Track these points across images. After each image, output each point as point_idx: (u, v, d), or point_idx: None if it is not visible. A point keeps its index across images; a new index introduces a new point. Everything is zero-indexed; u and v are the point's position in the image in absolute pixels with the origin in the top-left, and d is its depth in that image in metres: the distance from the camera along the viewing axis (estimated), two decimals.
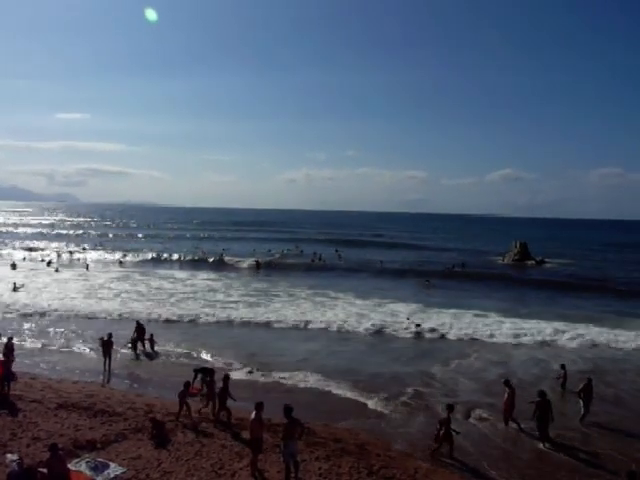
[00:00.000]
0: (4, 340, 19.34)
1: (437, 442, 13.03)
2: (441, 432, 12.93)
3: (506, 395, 14.83)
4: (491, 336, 25.63)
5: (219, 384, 14.60)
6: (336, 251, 66.42)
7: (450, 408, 13.44)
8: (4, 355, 17.10)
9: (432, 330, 26.44)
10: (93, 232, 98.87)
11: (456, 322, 27.84)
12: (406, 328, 26.62)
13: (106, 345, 19.77)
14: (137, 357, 21.52)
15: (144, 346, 22.24)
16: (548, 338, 25.37)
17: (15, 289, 34.31)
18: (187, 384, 14.78)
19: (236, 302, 33.11)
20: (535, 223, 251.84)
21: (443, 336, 25.98)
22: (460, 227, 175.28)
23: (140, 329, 22.41)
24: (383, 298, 35.20)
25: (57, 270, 45.95)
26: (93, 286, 38.06)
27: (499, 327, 27.00)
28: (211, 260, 56.28)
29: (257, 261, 54.33)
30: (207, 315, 28.76)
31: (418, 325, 26.83)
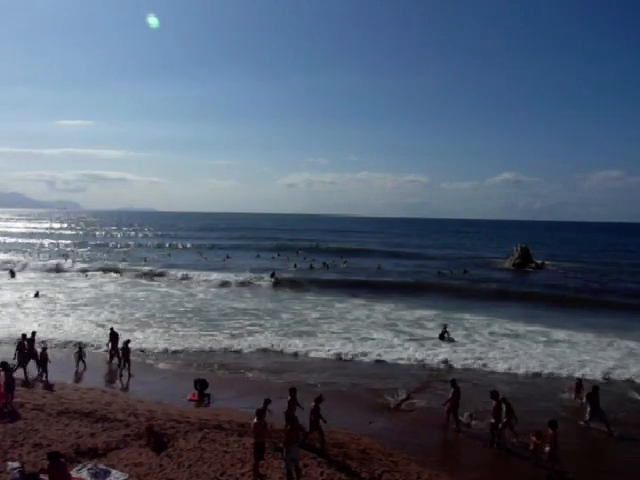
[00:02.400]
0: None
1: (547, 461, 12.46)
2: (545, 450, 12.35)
3: (450, 394, 15.31)
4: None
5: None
6: (341, 257, 67.56)
7: (553, 425, 12.56)
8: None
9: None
10: (96, 242, 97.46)
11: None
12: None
13: (124, 351, 19.96)
14: (117, 366, 20.75)
15: (118, 355, 20.82)
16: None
17: (36, 296, 35.88)
18: (267, 401, 13.56)
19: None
20: (536, 226, 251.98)
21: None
22: (461, 231, 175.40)
23: (114, 336, 21.57)
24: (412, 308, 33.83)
25: (87, 275, 49.23)
26: (104, 296, 38.09)
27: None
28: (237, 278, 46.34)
29: (275, 276, 46.85)
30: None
31: (447, 335, 25.96)
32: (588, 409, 15.64)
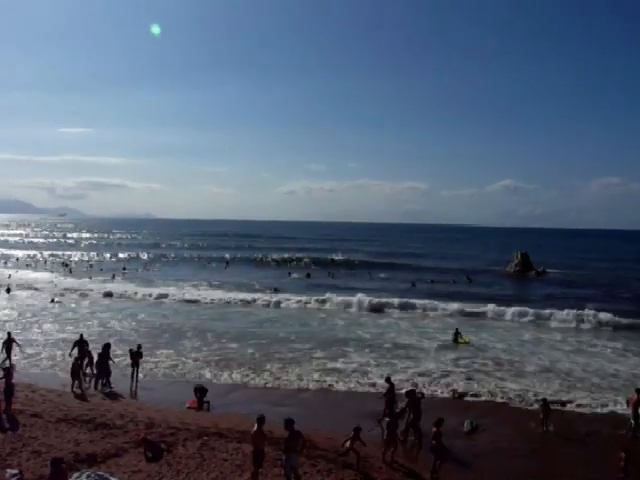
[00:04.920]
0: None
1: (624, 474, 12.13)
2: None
3: (385, 391, 15.98)
4: None
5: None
6: (351, 269, 67.85)
7: None
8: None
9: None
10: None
11: None
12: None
13: (135, 356, 19.80)
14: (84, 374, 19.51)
15: (91, 361, 19.81)
16: None
17: (53, 301, 37.07)
18: (358, 429, 12.93)
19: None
20: (536, 233, 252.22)
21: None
22: (461, 238, 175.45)
23: (82, 344, 20.15)
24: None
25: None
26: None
27: None
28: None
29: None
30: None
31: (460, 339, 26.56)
32: (631, 416, 15.05)
